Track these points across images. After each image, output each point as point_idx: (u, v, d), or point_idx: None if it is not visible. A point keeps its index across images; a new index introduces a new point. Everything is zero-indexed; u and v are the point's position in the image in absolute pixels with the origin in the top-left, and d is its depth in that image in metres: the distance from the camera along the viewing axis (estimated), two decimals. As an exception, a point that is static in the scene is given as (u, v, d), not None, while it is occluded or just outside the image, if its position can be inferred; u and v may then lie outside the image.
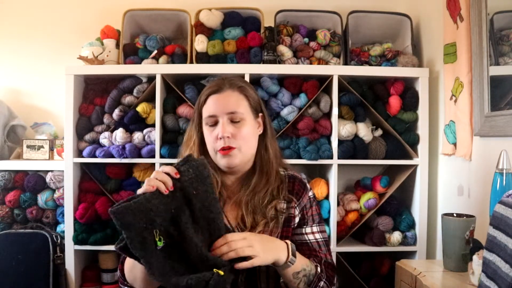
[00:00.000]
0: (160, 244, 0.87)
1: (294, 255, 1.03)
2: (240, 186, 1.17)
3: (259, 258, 0.96)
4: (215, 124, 1.11)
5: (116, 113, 1.94)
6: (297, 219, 1.15)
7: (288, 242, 1.05)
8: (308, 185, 1.20)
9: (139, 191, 0.89)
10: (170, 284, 0.86)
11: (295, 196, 1.16)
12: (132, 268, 1.01)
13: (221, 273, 0.86)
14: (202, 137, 1.15)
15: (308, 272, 1.06)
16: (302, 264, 1.05)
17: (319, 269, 1.09)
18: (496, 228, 0.94)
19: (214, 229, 0.94)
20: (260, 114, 1.18)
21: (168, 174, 0.91)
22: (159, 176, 0.90)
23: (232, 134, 1.09)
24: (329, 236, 1.91)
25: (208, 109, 1.12)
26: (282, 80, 1.96)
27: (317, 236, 1.17)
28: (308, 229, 1.17)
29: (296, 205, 1.15)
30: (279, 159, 1.21)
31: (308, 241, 1.16)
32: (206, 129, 1.13)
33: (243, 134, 1.10)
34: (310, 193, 1.20)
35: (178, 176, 0.91)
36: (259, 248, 0.97)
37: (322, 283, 1.08)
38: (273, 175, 1.15)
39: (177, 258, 0.90)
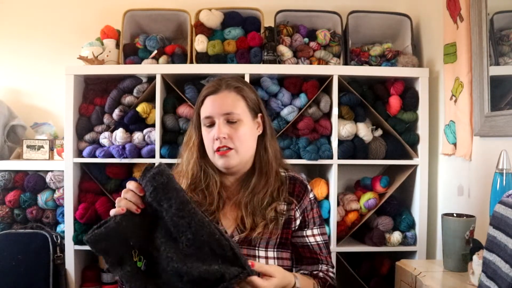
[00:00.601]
0: (140, 264, 0.87)
1: None
2: (239, 187, 1.16)
3: None
4: (212, 125, 1.11)
5: (116, 113, 1.94)
6: (298, 222, 1.15)
7: (298, 280, 1.02)
8: (309, 187, 1.20)
9: (111, 213, 0.90)
10: None
11: (295, 198, 1.15)
12: None
13: None
14: (202, 138, 1.15)
15: None
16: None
17: None
18: (496, 228, 0.94)
19: (194, 233, 0.86)
20: (259, 115, 1.17)
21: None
22: (128, 195, 0.90)
23: (229, 135, 1.09)
24: (329, 236, 1.91)
25: (205, 110, 1.12)
26: (282, 80, 1.96)
27: (318, 238, 1.17)
28: (309, 232, 1.17)
29: (296, 207, 1.15)
30: (279, 159, 1.21)
31: (309, 243, 1.16)
32: (204, 130, 1.14)
33: (239, 135, 1.10)
34: (311, 195, 1.19)
35: (142, 193, 0.90)
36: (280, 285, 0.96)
37: None
38: (272, 176, 1.14)
39: (158, 276, 0.88)
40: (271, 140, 1.19)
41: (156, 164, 0.90)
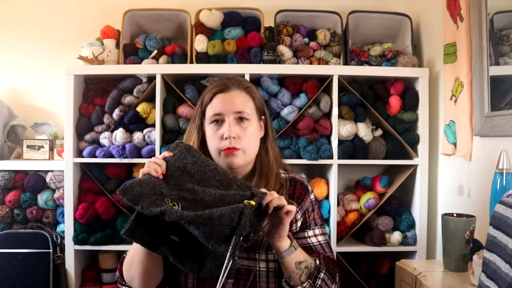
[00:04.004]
0: (176, 207, 0.88)
1: (295, 242, 1.04)
2: None
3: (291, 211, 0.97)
4: (220, 122, 1.10)
5: (116, 113, 1.94)
6: (299, 223, 1.14)
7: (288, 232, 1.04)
8: (309, 188, 1.19)
9: (141, 171, 0.98)
10: (202, 224, 0.83)
11: (296, 200, 1.15)
12: (130, 266, 1.02)
13: (252, 203, 0.86)
14: (203, 137, 1.14)
15: (309, 264, 1.05)
16: (303, 255, 1.05)
17: (317, 261, 1.07)
18: (496, 228, 0.94)
19: (222, 174, 0.98)
20: (263, 117, 1.17)
21: (164, 158, 1.00)
22: (152, 165, 0.97)
23: (238, 134, 1.08)
24: (329, 236, 1.91)
25: (214, 107, 1.10)
26: (282, 80, 1.96)
27: (320, 238, 1.17)
28: (310, 233, 1.16)
29: (297, 209, 1.14)
30: (279, 161, 1.21)
31: (312, 244, 1.15)
32: (209, 129, 1.12)
33: (248, 135, 1.09)
34: (312, 196, 1.19)
35: (172, 155, 1.00)
36: None
37: (322, 275, 1.05)
38: (272, 178, 1.13)
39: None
40: (272, 143, 1.19)
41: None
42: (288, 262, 1.02)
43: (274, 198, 0.94)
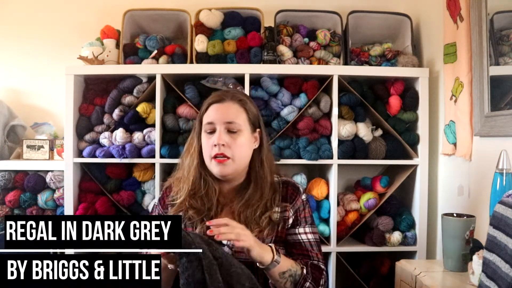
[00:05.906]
0: None
1: (278, 255, 1.08)
2: (234, 195, 1.21)
3: (251, 248, 1.02)
4: (212, 131, 1.16)
5: (116, 113, 1.94)
6: (290, 221, 1.20)
7: (272, 245, 1.10)
8: (301, 189, 1.25)
9: None
10: None
11: (289, 200, 1.21)
12: None
13: None
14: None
15: (293, 272, 1.10)
16: (287, 265, 1.10)
17: (305, 270, 1.13)
18: (496, 228, 0.94)
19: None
20: (258, 130, 1.22)
21: None
22: None
23: (227, 143, 1.14)
24: (329, 236, 1.92)
25: (208, 116, 1.18)
26: (282, 80, 1.96)
27: (309, 236, 1.21)
28: (301, 229, 1.21)
29: (290, 208, 1.20)
30: (273, 170, 1.26)
31: (301, 240, 1.20)
32: (204, 136, 1.19)
33: (238, 144, 1.15)
34: (303, 197, 1.24)
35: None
36: (252, 241, 1.03)
37: (308, 284, 1.12)
38: (267, 188, 1.19)
39: None
40: (267, 154, 1.24)
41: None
42: (272, 273, 1.08)
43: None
